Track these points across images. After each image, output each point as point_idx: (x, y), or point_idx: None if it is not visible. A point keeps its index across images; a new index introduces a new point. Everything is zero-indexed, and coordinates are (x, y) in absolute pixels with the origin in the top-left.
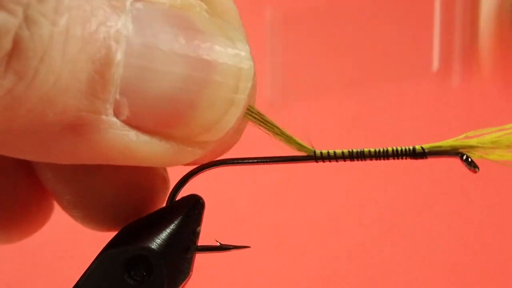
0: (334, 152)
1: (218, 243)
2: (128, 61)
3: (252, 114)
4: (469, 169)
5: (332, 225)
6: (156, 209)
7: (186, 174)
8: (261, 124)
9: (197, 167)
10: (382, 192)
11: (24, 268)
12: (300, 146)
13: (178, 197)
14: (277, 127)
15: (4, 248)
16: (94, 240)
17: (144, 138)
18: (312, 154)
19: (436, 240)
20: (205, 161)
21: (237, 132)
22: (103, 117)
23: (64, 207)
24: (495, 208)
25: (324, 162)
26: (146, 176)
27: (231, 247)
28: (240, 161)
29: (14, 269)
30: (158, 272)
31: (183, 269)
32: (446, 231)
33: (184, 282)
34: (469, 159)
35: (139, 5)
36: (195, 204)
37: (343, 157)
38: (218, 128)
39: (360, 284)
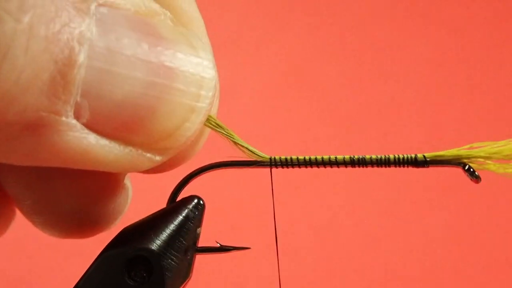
0: (288, 158)
1: (219, 244)
2: (91, 64)
3: (212, 123)
4: (471, 179)
5: (332, 226)
6: (117, 218)
7: (187, 176)
8: (221, 133)
9: (198, 169)
10: (381, 194)
11: (24, 268)
12: (254, 154)
13: (179, 198)
14: (234, 137)
15: (4, 248)
16: (94, 241)
17: (103, 142)
18: (264, 160)
19: (435, 240)
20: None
21: (197, 141)
22: (63, 118)
23: (25, 213)
24: (495, 208)
25: (282, 168)
26: (107, 185)
27: (231, 248)
28: (239, 164)
29: (15, 269)
30: (158, 273)
31: (183, 270)
32: (445, 232)
33: (184, 283)
34: (472, 170)
35: (103, 9)
36: (195, 205)
37: (304, 163)
38: (177, 135)
39: (358, 283)
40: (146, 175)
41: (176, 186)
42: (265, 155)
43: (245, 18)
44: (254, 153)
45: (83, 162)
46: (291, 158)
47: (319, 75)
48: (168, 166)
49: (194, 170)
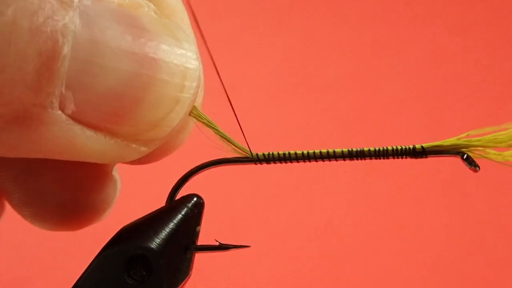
0: (271, 153)
1: (218, 243)
2: (75, 56)
3: (197, 115)
4: (469, 168)
5: (330, 224)
6: (105, 209)
7: (186, 173)
8: (206, 125)
9: (196, 167)
10: (380, 192)
11: (24, 268)
12: (237, 148)
13: (178, 196)
14: (218, 129)
15: (5, 248)
16: (93, 240)
17: (89, 133)
18: (249, 155)
19: (433, 239)
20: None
21: (182, 132)
22: (48, 110)
23: (15, 206)
24: (494, 206)
25: (268, 164)
26: (95, 176)
27: (231, 246)
28: (238, 160)
29: (14, 269)
30: (157, 271)
31: (183, 269)
32: (444, 230)
33: (184, 281)
34: (470, 159)
35: (87, 1)
36: (194, 204)
37: (302, 157)
38: (162, 126)
39: (358, 283)
40: (144, 174)
41: (175, 184)
42: (247, 149)
43: (244, 16)
44: (234, 145)
45: (69, 153)
46: (289, 153)
47: (316, 69)
48: (154, 157)
49: (192, 168)
